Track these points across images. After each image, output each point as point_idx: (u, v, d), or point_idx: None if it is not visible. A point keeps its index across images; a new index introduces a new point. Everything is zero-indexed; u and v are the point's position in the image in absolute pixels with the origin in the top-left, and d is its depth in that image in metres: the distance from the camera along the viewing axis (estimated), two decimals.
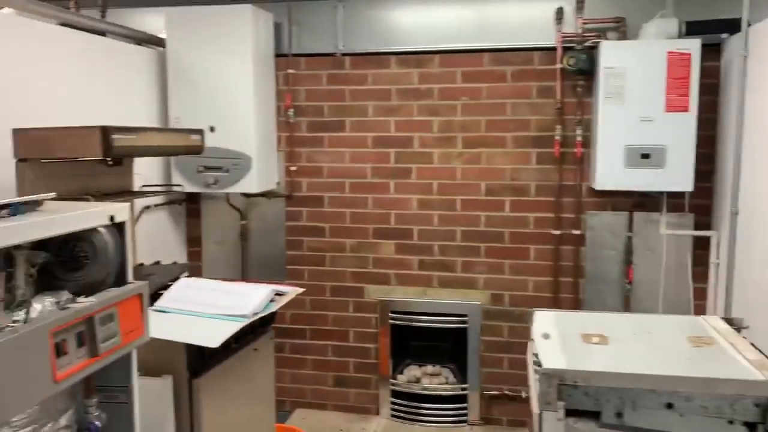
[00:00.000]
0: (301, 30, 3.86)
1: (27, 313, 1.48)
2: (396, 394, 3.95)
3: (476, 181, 3.75)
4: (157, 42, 3.70)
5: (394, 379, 3.97)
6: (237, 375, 2.40)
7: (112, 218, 1.73)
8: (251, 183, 3.66)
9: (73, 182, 2.39)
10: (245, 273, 4.08)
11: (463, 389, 3.87)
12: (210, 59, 3.59)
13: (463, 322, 3.82)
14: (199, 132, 2.65)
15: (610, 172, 3.35)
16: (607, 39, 3.42)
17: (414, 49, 3.75)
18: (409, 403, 3.92)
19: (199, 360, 2.11)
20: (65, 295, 1.64)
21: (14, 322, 1.46)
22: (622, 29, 3.44)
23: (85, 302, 1.59)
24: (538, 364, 1.94)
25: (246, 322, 2.13)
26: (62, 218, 1.57)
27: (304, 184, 3.98)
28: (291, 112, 3.91)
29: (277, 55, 3.87)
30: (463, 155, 3.75)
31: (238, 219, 4.06)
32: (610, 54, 3.31)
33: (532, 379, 2.01)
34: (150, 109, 3.66)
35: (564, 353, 1.99)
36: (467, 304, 3.82)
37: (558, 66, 3.55)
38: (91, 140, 2.08)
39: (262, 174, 3.71)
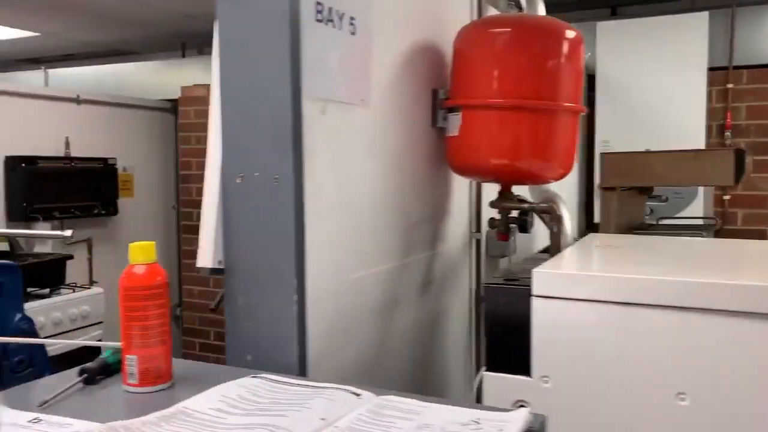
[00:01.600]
0: (741, 39, 3.36)
1: None
2: None
3: None
4: None
5: None
6: None
7: None
8: (696, 213, 3.22)
9: (624, 213, 2.12)
10: None
11: None
12: (650, 75, 3.23)
13: None
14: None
15: None
16: None
17: None
18: None
19: None
20: None
21: None
22: None
23: None
24: None
25: None
26: None
27: (740, 216, 3.44)
28: (728, 132, 3.41)
29: (709, 69, 3.40)
30: None
31: None
32: None
33: None
34: None
35: None
36: None
37: None
38: (725, 165, 1.75)
39: (706, 203, 3.25)
